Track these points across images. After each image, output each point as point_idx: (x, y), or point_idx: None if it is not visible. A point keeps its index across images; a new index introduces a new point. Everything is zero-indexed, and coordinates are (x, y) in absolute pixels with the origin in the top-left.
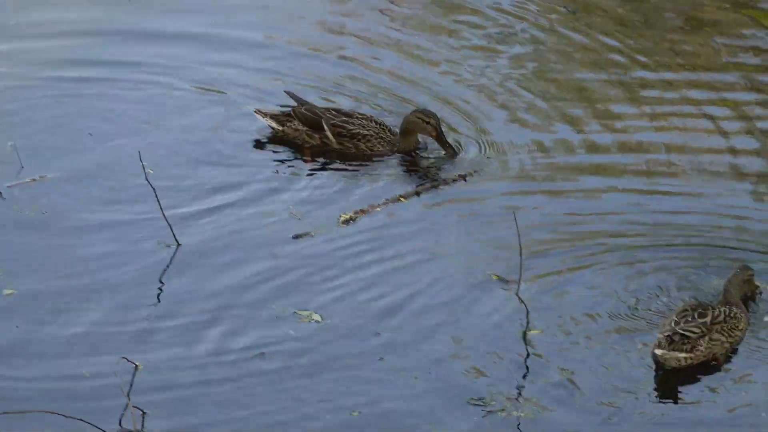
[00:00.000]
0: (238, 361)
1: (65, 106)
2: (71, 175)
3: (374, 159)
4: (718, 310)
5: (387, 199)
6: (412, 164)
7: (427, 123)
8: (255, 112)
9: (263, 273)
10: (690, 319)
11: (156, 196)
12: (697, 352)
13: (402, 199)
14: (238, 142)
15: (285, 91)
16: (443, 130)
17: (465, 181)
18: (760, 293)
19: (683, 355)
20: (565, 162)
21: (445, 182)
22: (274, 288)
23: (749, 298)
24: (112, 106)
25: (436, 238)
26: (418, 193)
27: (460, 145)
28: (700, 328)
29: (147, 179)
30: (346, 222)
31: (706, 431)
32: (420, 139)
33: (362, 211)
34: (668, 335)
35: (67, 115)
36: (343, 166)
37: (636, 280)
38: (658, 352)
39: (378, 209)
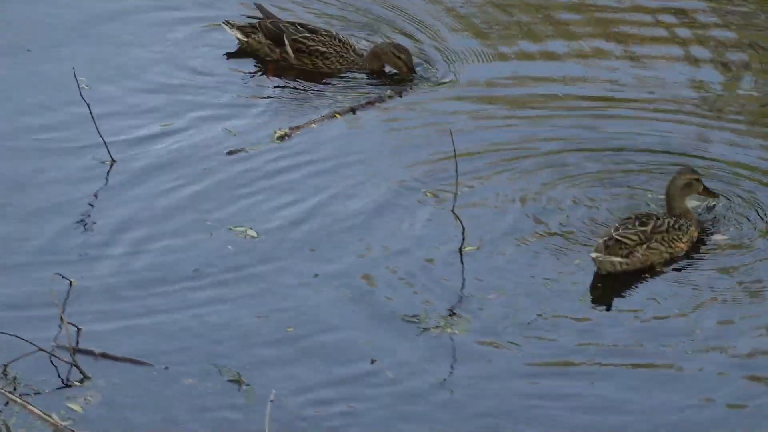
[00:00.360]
0: (173, 278)
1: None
2: (4, 87)
3: (335, 76)
4: (662, 220)
5: (323, 116)
6: (356, 82)
7: (398, 58)
8: (223, 23)
9: (198, 189)
10: (630, 226)
11: (90, 112)
12: (634, 259)
13: (337, 115)
14: (204, 55)
15: (255, 4)
16: (413, 62)
17: (400, 97)
18: (713, 203)
19: (618, 259)
20: (507, 80)
21: (381, 99)
22: (209, 204)
23: (710, 209)
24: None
25: (370, 155)
26: (353, 110)
27: (429, 65)
28: (638, 235)
29: (81, 95)
30: (281, 138)
31: (639, 338)
32: (386, 69)
33: (297, 128)
34: (605, 240)
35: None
36: (296, 83)
37: (578, 193)
38: (594, 255)
39: (313, 125)
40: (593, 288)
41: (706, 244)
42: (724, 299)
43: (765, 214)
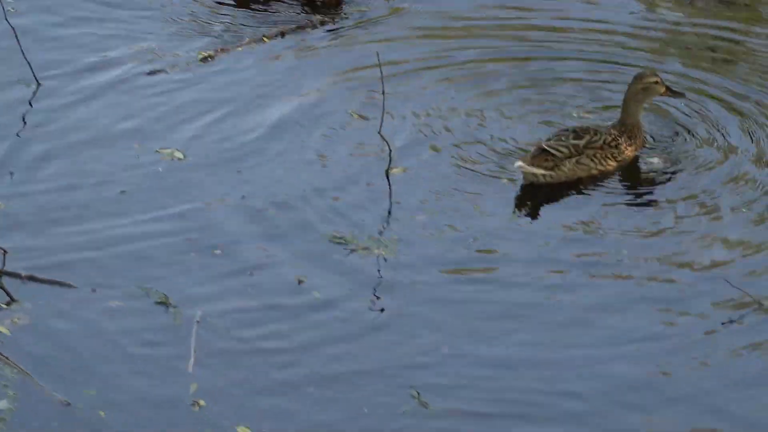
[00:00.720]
0: (99, 201)
1: None
2: None
3: (265, 2)
4: (600, 135)
5: (249, 39)
6: (286, 7)
7: None
8: None
9: (121, 111)
10: (563, 138)
11: (15, 34)
12: (559, 172)
13: (265, 39)
14: None
15: None
16: None
17: (334, 24)
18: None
19: (540, 171)
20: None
21: (311, 25)
22: (134, 127)
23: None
24: None
25: (295, 78)
26: (282, 34)
27: None
28: (568, 148)
29: (6, 18)
30: (204, 60)
31: (565, 248)
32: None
33: (222, 50)
34: (533, 149)
35: None
36: (224, 7)
37: (508, 109)
38: (517, 164)
39: (239, 49)
40: (519, 201)
41: (641, 165)
42: (645, 214)
43: (718, 131)
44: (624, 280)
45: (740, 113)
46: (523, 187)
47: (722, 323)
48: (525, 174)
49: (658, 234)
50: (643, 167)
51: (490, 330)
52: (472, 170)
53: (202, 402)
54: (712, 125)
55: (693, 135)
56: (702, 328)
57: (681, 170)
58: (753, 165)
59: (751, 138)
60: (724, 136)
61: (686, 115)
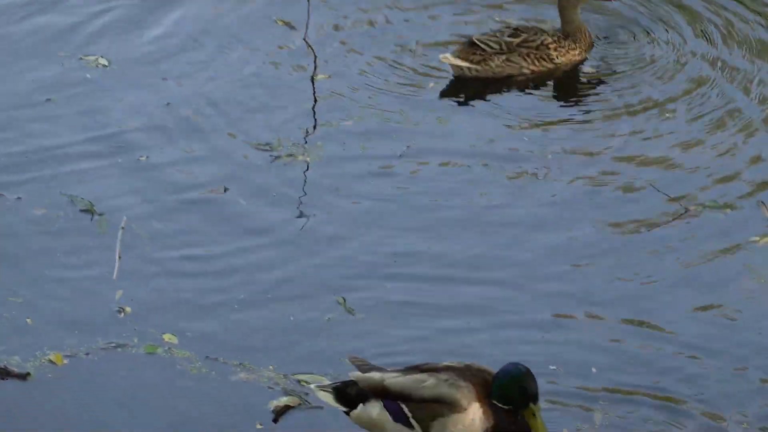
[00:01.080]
0: (24, 106)
1: None
2: None
3: None
4: (539, 36)
5: None
6: None
7: None
8: None
9: (43, 20)
10: (498, 35)
11: None
12: (486, 67)
13: None
14: None
15: None
16: None
17: None
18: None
19: (465, 64)
20: None
21: None
22: (58, 35)
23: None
24: None
25: None
26: None
27: None
28: (499, 44)
29: None
30: None
31: (490, 136)
32: None
33: None
34: (463, 43)
35: None
36: None
37: (434, 11)
38: (442, 56)
39: None
40: (447, 92)
41: (577, 71)
42: (570, 112)
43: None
44: (552, 182)
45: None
46: (451, 85)
47: (647, 228)
48: (452, 66)
49: (582, 132)
50: (584, 71)
51: (417, 226)
52: (399, 74)
53: (128, 309)
54: (659, 26)
55: (636, 36)
56: (626, 230)
57: (621, 72)
58: (706, 64)
59: (703, 36)
60: (668, 33)
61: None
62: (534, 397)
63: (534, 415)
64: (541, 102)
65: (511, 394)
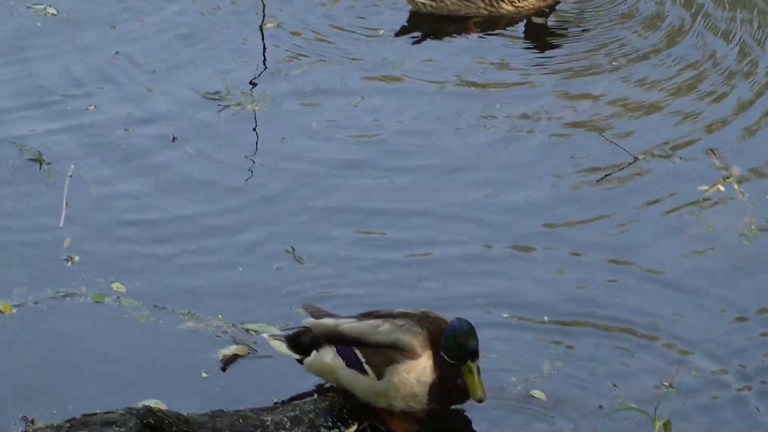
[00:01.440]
0: None
1: None
2: None
3: None
4: None
5: None
6: None
7: None
8: None
9: None
10: None
11: None
12: (441, 5)
13: None
14: None
15: None
16: None
17: None
18: None
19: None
20: None
21: None
22: None
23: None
24: None
25: None
26: None
27: None
28: None
29: None
30: None
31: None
32: None
33: None
34: None
35: None
36: None
37: None
38: None
39: None
40: (403, 30)
41: (541, 16)
42: (525, 58)
43: None
44: (494, 130)
45: None
46: (402, 30)
47: (596, 180)
48: (408, 2)
49: (525, 85)
50: (549, 21)
51: (367, 175)
52: (349, 15)
53: (76, 258)
54: None
55: None
56: (577, 181)
57: (582, 21)
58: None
59: None
60: None
61: None
62: (473, 354)
63: (471, 372)
64: (491, 46)
65: (452, 350)
